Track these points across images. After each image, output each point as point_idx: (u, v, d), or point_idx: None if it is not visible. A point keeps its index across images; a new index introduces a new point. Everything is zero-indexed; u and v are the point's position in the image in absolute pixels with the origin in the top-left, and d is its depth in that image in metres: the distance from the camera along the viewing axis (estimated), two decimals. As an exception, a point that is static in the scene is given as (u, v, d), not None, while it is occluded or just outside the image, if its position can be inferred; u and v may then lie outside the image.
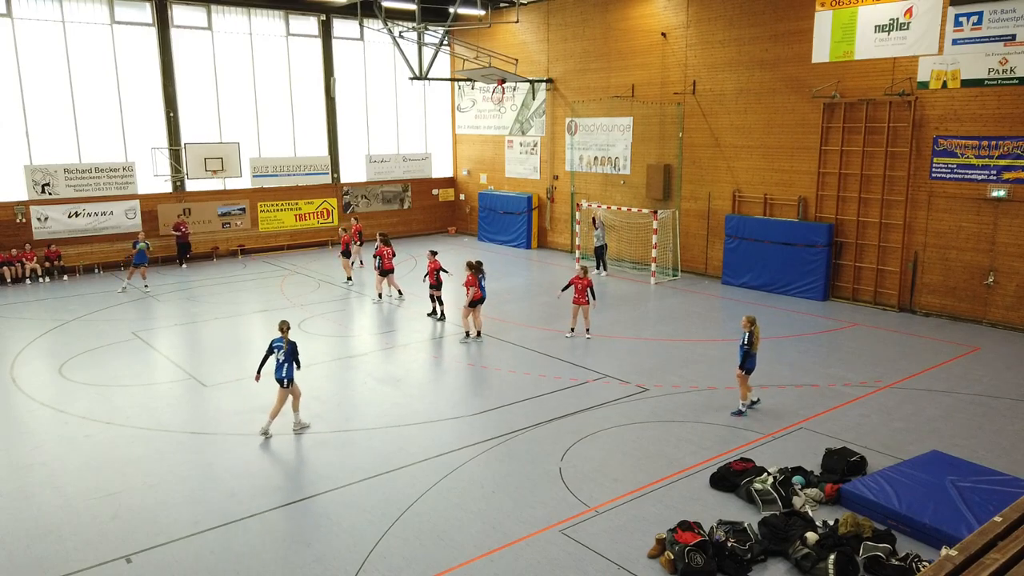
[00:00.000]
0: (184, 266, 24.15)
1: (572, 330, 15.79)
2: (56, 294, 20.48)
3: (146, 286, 20.76)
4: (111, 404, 12.30)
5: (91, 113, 23.23)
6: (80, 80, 22.90)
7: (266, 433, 10.88)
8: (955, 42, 16.27)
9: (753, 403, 11.77)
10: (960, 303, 16.98)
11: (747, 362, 11.32)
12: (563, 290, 16.32)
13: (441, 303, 17.30)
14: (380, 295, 19.09)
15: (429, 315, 17.32)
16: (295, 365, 10.85)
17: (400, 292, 19.27)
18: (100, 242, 23.67)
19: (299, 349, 11.03)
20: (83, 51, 22.82)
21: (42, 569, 7.74)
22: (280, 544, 8.16)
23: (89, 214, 23.33)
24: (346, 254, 21.50)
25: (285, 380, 10.72)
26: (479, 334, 15.68)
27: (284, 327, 10.99)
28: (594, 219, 22.72)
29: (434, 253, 17.51)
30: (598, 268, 22.42)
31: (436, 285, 17.05)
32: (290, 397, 10.95)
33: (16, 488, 9.49)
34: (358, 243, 22.63)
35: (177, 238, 24.23)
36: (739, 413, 11.50)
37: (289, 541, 8.21)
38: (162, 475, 9.78)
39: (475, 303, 15.49)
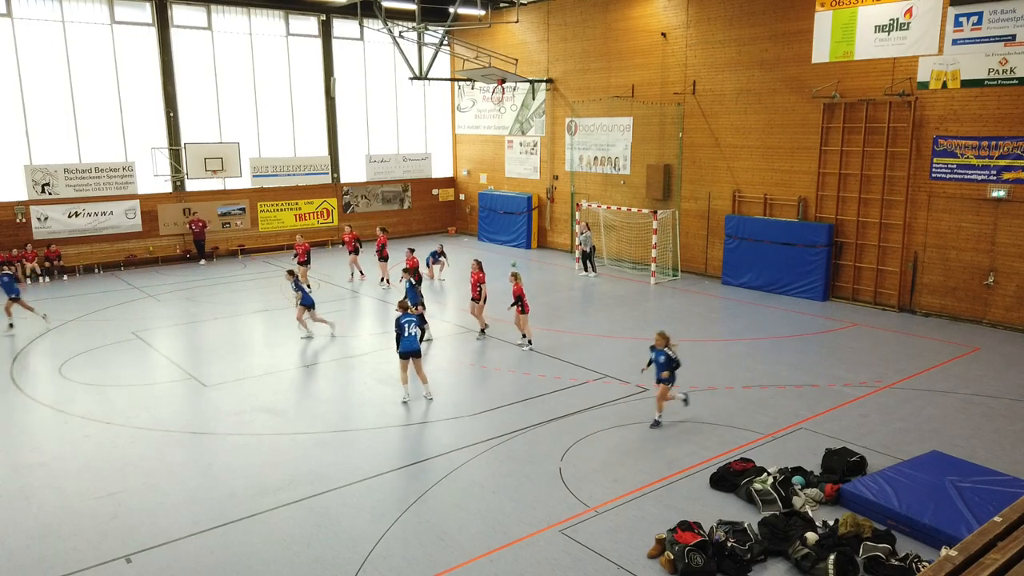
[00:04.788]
0: (203, 262, 24.67)
1: (528, 341, 15.30)
2: (56, 294, 20.48)
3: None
4: (111, 404, 12.30)
5: (91, 113, 23.23)
6: (80, 80, 22.90)
7: (406, 400, 12.14)
8: (955, 42, 16.27)
9: (685, 398, 11.42)
10: (960, 303, 16.98)
11: (672, 374, 11.06)
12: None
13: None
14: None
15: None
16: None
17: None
18: (100, 242, 23.68)
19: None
20: (83, 51, 22.81)
21: (42, 569, 7.74)
22: (280, 544, 8.15)
23: (89, 214, 23.34)
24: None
25: (418, 350, 12.17)
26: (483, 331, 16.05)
27: (405, 306, 12.51)
28: (585, 224, 22.94)
29: (412, 250, 18.07)
30: (586, 270, 22.41)
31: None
32: (412, 369, 12.16)
33: (16, 488, 9.49)
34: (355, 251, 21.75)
35: (193, 236, 24.65)
36: (656, 424, 11.12)
37: (289, 541, 8.21)
38: (162, 475, 9.78)
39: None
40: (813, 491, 8.96)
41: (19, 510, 8.95)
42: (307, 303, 15.68)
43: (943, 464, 9.33)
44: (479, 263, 16.07)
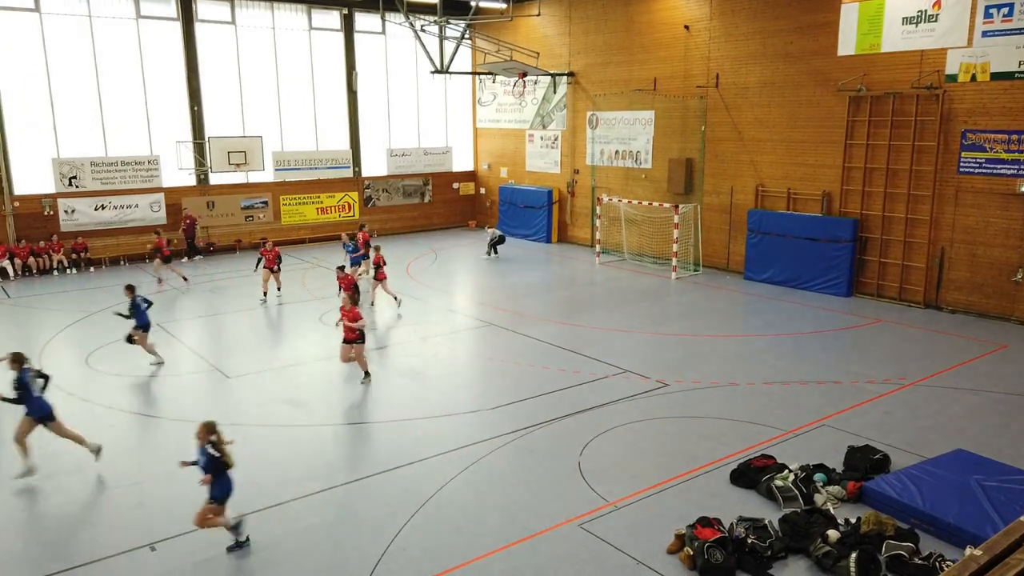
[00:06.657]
0: (184, 260, 23.84)
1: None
2: (82, 285, 20.78)
3: None
4: (136, 394, 12.47)
5: (117, 107, 23.51)
6: (106, 74, 23.17)
7: (26, 474, 9.45)
8: (985, 34, 15.97)
9: (237, 525, 8.02)
10: (987, 300, 16.71)
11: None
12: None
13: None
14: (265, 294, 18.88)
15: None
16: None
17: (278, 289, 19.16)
18: (126, 234, 23.98)
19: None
20: (109, 45, 23.08)
21: (68, 556, 7.88)
22: (301, 534, 8.23)
23: (115, 207, 23.64)
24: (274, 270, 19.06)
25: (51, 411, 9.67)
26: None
27: (18, 358, 9.61)
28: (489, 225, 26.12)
29: (342, 268, 17.13)
30: (488, 255, 24.44)
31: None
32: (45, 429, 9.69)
33: (42, 476, 9.65)
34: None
35: (184, 232, 24.19)
36: (235, 546, 7.93)
37: (310, 532, 8.28)
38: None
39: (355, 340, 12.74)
40: (835, 488, 8.88)
41: (45, 498, 9.11)
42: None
43: (968, 463, 9.20)
44: (352, 296, 13.55)
